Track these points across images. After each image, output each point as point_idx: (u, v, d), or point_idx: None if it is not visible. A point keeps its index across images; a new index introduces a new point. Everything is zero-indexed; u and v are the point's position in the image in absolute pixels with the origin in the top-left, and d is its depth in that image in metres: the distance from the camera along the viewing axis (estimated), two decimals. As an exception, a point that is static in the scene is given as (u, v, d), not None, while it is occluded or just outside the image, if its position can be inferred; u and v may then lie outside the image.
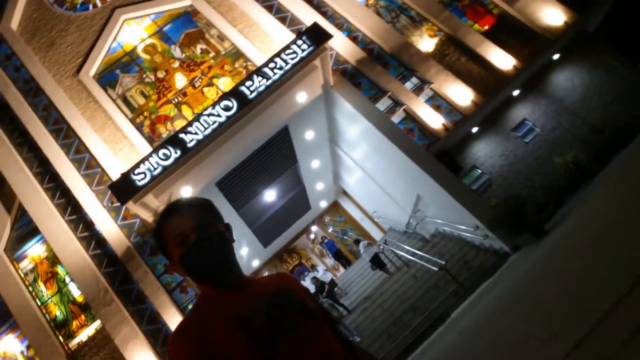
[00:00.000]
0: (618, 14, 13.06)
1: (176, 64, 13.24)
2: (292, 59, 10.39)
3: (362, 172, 15.81)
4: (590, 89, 12.29)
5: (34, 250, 11.76)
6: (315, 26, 10.86)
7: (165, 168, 9.72)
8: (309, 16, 12.81)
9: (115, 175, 11.08)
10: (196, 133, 9.92)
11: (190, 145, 9.86)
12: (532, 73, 12.40)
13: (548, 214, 10.50)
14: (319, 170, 17.14)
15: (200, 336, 1.42)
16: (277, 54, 10.50)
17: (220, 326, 1.44)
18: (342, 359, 1.54)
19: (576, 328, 3.50)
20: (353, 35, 12.89)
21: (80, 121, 12.29)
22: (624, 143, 10.56)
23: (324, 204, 22.65)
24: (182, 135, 9.93)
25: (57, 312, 11.13)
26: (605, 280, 3.95)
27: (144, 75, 13.17)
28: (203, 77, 12.95)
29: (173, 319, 10.13)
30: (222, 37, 13.37)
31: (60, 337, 10.80)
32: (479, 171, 12.14)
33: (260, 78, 10.29)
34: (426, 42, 12.79)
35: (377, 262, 13.74)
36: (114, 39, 13.64)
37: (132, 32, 13.77)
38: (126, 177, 9.72)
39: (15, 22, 13.80)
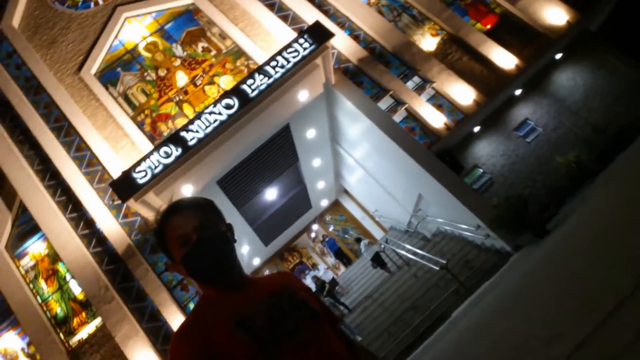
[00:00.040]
0: (621, 13, 12.98)
1: (177, 62, 13.22)
2: (293, 57, 10.37)
3: (363, 171, 15.79)
4: (593, 89, 12.25)
5: (35, 248, 11.76)
6: (317, 25, 10.84)
7: (166, 166, 9.71)
8: (310, 15, 12.79)
9: (116, 173, 11.07)
10: (197, 131, 9.91)
11: (191, 143, 9.85)
12: (534, 72, 12.36)
13: (550, 213, 10.47)
14: (320, 169, 17.13)
15: (201, 337, 1.41)
16: (279, 53, 10.48)
17: (222, 327, 1.43)
18: (344, 358, 1.53)
19: (578, 328, 3.48)
20: (355, 33, 12.86)
21: (81, 119, 12.28)
22: (626, 143, 10.52)
23: (325, 203, 22.64)
24: (183, 134, 9.92)
25: (58, 309, 11.14)
26: (607, 281, 3.93)
27: (145, 74, 13.15)
28: (204, 75, 12.94)
29: (174, 317, 10.13)
30: (223, 36, 13.35)
31: (61, 335, 10.80)
32: (481, 170, 12.11)
33: (261, 76, 10.27)
34: (428, 41, 12.76)
35: (378, 261, 13.74)
36: (116, 37, 13.62)
37: (134, 30, 13.75)
38: (127, 175, 9.71)
39: (16, 20, 13.79)
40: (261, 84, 10.21)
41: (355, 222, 23.00)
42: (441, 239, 12.84)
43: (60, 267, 11.49)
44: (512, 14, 12.69)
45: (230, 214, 13.92)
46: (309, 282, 17.65)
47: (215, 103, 10.12)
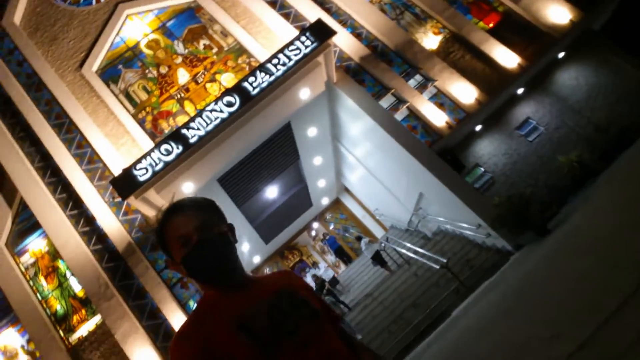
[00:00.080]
0: (624, 12, 12.94)
1: (179, 60, 13.20)
2: (295, 55, 10.34)
3: (364, 170, 15.77)
4: (596, 88, 12.21)
5: (35, 245, 11.76)
6: (319, 22, 10.80)
7: (167, 164, 9.69)
8: (312, 12, 12.76)
9: (116, 171, 11.05)
10: (198, 129, 9.89)
11: (192, 141, 9.83)
12: (536, 71, 12.32)
13: (551, 213, 10.43)
14: (321, 167, 17.11)
15: (202, 337, 1.41)
16: (281, 50, 10.45)
17: (223, 328, 1.43)
18: (344, 357, 1.52)
19: (580, 328, 3.46)
20: (357, 32, 12.83)
21: (82, 116, 12.27)
22: (628, 142, 10.49)
23: (325, 201, 22.62)
24: (184, 131, 9.90)
25: (58, 306, 11.13)
26: (610, 281, 3.90)
27: (147, 71, 13.13)
28: (206, 72, 12.92)
29: (173, 315, 10.13)
30: (225, 33, 13.33)
31: (61, 332, 10.80)
32: (482, 169, 12.09)
33: (263, 74, 10.25)
34: (430, 40, 12.73)
35: (378, 259, 13.73)
36: (117, 34, 13.60)
37: (135, 28, 13.73)
38: (128, 172, 9.70)
39: (18, 17, 13.76)
40: (263, 82, 10.18)
41: (356, 221, 22.99)
42: (442, 238, 12.82)
43: (60, 265, 11.48)
44: (515, 12, 12.65)
45: (231, 212, 13.91)
46: (308, 280, 17.65)
47: (216, 100, 10.10)
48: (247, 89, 10.15)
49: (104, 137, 12.00)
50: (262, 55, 12.42)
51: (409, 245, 12.39)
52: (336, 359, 1.49)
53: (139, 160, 9.75)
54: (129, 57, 13.35)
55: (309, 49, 10.34)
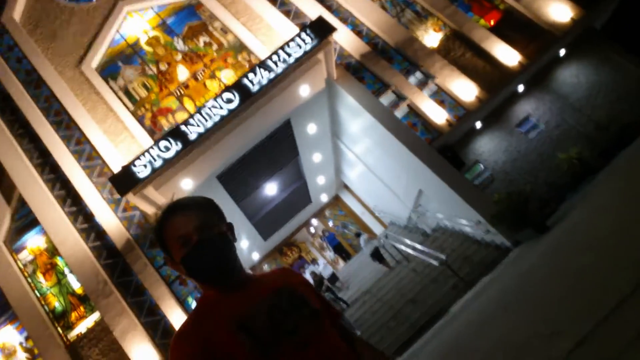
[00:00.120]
0: (625, 10, 12.93)
1: (179, 57, 13.17)
2: (295, 52, 10.34)
3: (363, 166, 15.76)
4: (596, 86, 12.20)
5: (34, 242, 11.73)
6: (320, 20, 10.79)
7: (166, 160, 9.69)
8: (313, 9, 12.73)
9: (115, 167, 11.05)
10: (198, 126, 9.89)
11: (191, 138, 9.83)
12: (537, 69, 12.31)
13: (550, 210, 10.44)
14: (320, 164, 17.10)
15: (202, 337, 1.41)
16: (281, 47, 10.45)
17: (222, 328, 1.42)
18: (344, 355, 1.52)
19: (579, 326, 3.45)
20: (357, 29, 12.80)
21: (81, 112, 12.25)
22: (628, 140, 10.50)
23: (324, 198, 22.62)
24: (183, 128, 9.90)
25: (56, 303, 11.12)
26: (609, 278, 3.89)
27: (147, 68, 13.10)
28: (206, 69, 12.89)
29: (172, 311, 10.13)
30: (225, 30, 13.30)
31: (59, 329, 10.79)
32: (482, 166, 12.09)
33: (263, 71, 10.24)
34: (431, 37, 12.70)
35: (377, 256, 13.73)
36: (117, 31, 13.56)
37: (135, 24, 13.69)
38: (127, 169, 9.69)
39: (17, 13, 13.72)
40: (262, 79, 10.18)
41: (355, 217, 23.00)
42: (441, 234, 12.82)
43: (59, 261, 11.47)
44: (516, 10, 12.63)
45: (230, 208, 13.90)
46: (307, 277, 17.66)
47: (216, 97, 10.10)
48: (247, 86, 10.15)
49: (102, 134, 11.98)
50: (262, 53, 12.40)
51: (407, 241, 12.39)
52: (336, 358, 1.48)
53: (138, 157, 9.75)
54: (129, 54, 13.32)
55: (309, 46, 10.33)
